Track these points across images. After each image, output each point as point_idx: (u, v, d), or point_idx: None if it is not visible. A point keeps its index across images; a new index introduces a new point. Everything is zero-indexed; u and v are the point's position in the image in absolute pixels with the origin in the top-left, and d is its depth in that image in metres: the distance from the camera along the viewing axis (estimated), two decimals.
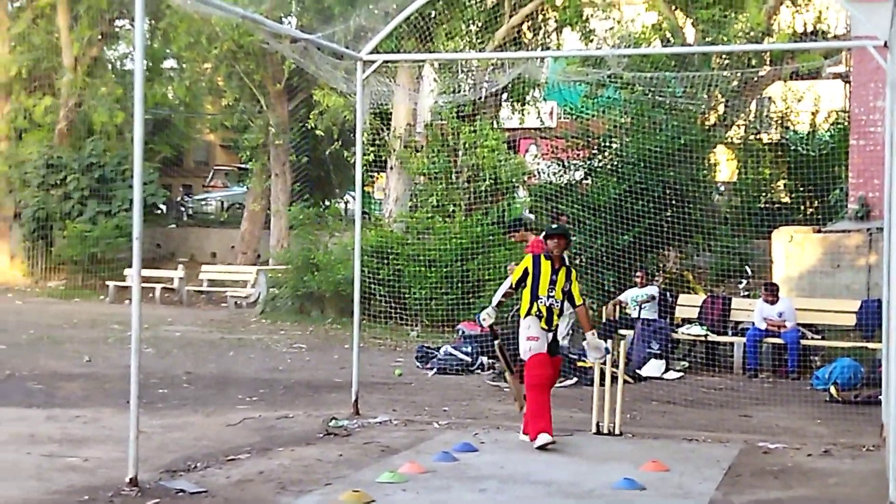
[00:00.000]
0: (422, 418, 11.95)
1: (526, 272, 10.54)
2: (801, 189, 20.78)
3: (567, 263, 10.75)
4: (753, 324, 16.19)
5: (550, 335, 10.48)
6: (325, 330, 21.38)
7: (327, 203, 33.26)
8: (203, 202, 40.13)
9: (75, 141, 31.77)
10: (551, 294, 10.44)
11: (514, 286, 10.77)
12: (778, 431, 11.56)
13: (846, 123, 20.69)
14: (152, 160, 33.00)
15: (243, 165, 35.71)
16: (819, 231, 18.08)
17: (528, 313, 10.49)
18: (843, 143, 19.91)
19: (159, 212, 35.03)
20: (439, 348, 16.64)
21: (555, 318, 10.52)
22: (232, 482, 8.60)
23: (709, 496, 8.43)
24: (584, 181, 21.45)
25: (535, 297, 10.47)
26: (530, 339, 10.44)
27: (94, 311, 24.69)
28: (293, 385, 14.40)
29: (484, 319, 10.81)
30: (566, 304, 10.68)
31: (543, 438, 10.11)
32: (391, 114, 24.51)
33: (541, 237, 11.33)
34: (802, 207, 20.72)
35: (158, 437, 10.39)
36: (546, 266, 10.51)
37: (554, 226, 11.10)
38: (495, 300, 11.19)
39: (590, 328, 10.69)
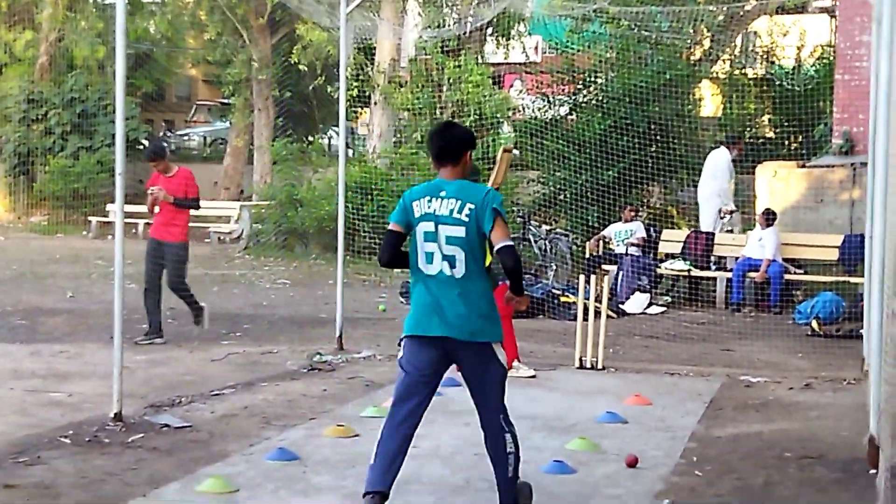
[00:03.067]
0: None
1: None
2: (786, 124, 20.75)
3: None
4: (737, 258, 16.22)
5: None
6: (308, 266, 21.36)
7: (311, 138, 33.07)
8: (185, 137, 39.90)
9: (56, 76, 31.46)
10: None
11: None
12: (760, 365, 11.63)
13: (832, 58, 20.58)
14: (134, 95, 32.71)
15: (226, 100, 35.44)
16: (803, 166, 18.07)
17: None
18: (829, 78, 19.83)
19: (141, 147, 34.81)
20: None
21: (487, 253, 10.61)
22: (216, 417, 8.62)
23: (691, 429, 8.50)
24: (569, 116, 21.38)
25: None
26: None
27: (77, 246, 24.63)
28: (277, 321, 14.41)
29: None
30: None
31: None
32: (375, 48, 24.31)
33: None
34: (787, 142, 20.69)
35: (142, 372, 10.40)
36: None
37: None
38: None
39: None
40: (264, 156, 29.13)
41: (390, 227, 6.20)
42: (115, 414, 8.19)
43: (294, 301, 16.60)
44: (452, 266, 6.02)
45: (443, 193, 6.06)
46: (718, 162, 17.20)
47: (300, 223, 22.86)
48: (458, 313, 6.02)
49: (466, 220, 5.96)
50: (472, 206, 5.95)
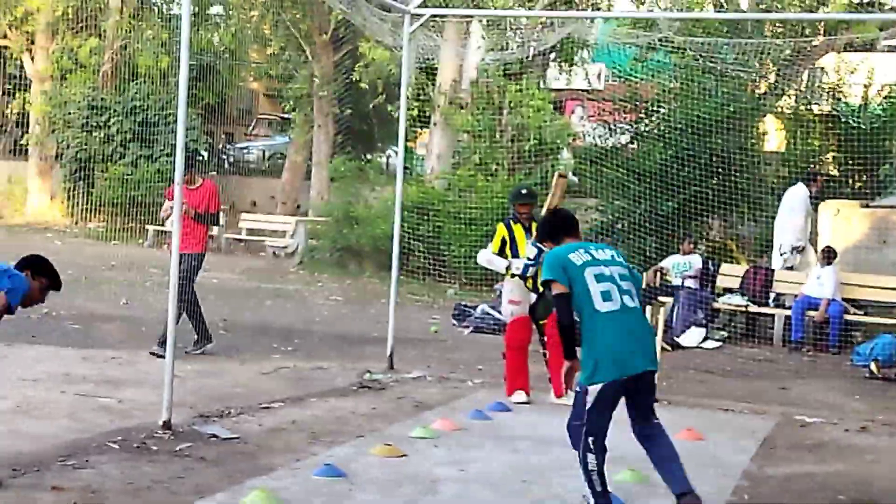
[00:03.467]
0: (456, 376, 11.90)
1: (504, 241, 10.62)
2: (850, 162, 20.45)
3: (535, 219, 10.73)
4: (796, 296, 15.98)
5: (534, 296, 10.59)
6: (362, 284, 21.33)
7: (369, 157, 33.11)
8: (245, 150, 40.07)
9: (119, 84, 31.69)
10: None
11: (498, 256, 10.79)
12: (816, 405, 11.42)
13: None
14: (195, 106, 32.91)
15: (286, 115, 35.60)
16: (867, 205, 17.82)
17: (513, 277, 10.60)
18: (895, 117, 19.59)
19: (201, 158, 35.00)
20: (476, 307, 16.56)
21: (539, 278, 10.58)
22: (264, 430, 8.58)
23: (742, 467, 8.34)
24: (630, 145, 21.25)
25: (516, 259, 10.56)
26: (512, 303, 10.71)
27: (133, 254, 24.76)
28: (329, 337, 14.38)
29: (518, 269, 10.69)
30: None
31: (519, 397, 10.46)
32: (437, 69, 24.31)
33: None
34: (851, 181, 20.39)
35: (193, 382, 10.39)
36: (518, 229, 10.64)
37: (524, 191, 11.07)
38: (503, 261, 10.90)
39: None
40: (322, 172, 29.17)
41: (557, 290, 6.52)
42: (164, 422, 8.18)
43: (346, 318, 16.56)
44: (632, 299, 6.56)
45: (591, 246, 6.74)
46: (796, 197, 16.87)
47: (355, 241, 22.85)
48: (650, 342, 6.74)
49: (623, 261, 6.70)
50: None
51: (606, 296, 6.43)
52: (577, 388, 6.54)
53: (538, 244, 10.51)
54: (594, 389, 6.44)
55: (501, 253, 10.75)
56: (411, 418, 9.42)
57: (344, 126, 30.15)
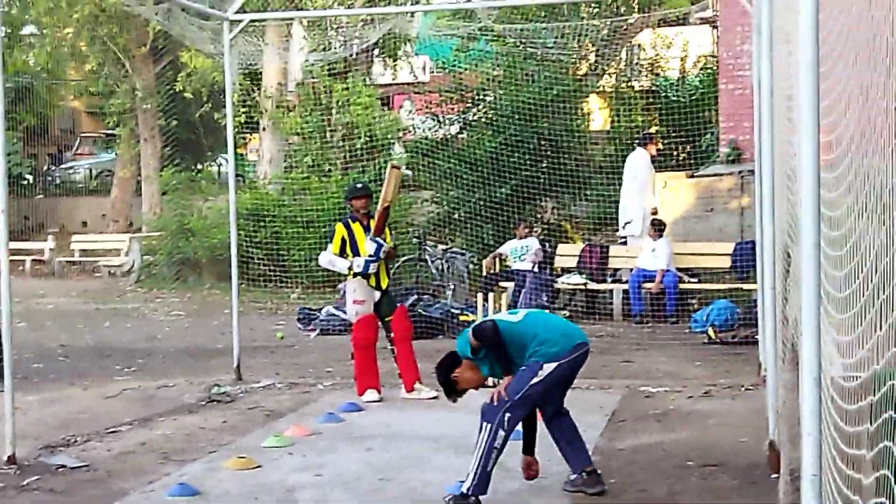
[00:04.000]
0: (306, 380, 11.84)
1: (343, 240, 10.60)
2: (673, 135, 21.02)
3: (373, 215, 10.77)
4: (632, 270, 16.33)
5: (378, 294, 10.61)
6: (203, 296, 21.05)
7: (200, 167, 32.72)
8: (71, 171, 39.13)
9: None
10: None
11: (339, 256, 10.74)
12: (659, 375, 11.70)
13: (715, 68, 20.94)
14: (15, 129, 32.01)
15: (110, 131, 34.85)
16: (692, 176, 18.31)
17: (356, 276, 10.57)
18: (713, 87, 20.16)
19: (25, 182, 34.08)
20: (321, 309, 16.51)
21: (382, 275, 10.62)
22: (113, 455, 8.41)
23: (593, 442, 8.49)
24: (460, 135, 21.43)
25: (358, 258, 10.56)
26: (356, 303, 10.70)
27: None
28: (173, 353, 14.15)
29: (359, 266, 10.66)
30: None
31: (370, 395, 10.46)
32: (261, 73, 24.13)
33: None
34: (675, 153, 20.97)
35: (35, 412, 10.11)
36: (357, 227, 10.63)
37: (359, 185, 11.11)
38: (342, 265, 10.88)
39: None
40: (153, 186, 28.69)
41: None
42: (9, 457, 7.94)
43: (189, 332, 16.32)
44: None
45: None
46: (637, 163, 17.08)
47: (192, 253, 22.54)
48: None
49: None
50: None
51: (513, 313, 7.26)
52: (528, 365, 6.80)
53: (376, 239, 10.54)
54: (549, 367, 6.77)
55: (342, 253, 10.71)
56: (263, 428, 9.34)
57: (171, 138, 29.67)
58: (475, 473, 6.63)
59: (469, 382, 6.94)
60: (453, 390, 6.94)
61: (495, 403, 6.71)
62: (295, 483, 7.47)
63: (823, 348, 4.24)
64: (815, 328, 3.98)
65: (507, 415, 6.66)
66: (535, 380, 6.73)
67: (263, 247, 20.75)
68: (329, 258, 10.83)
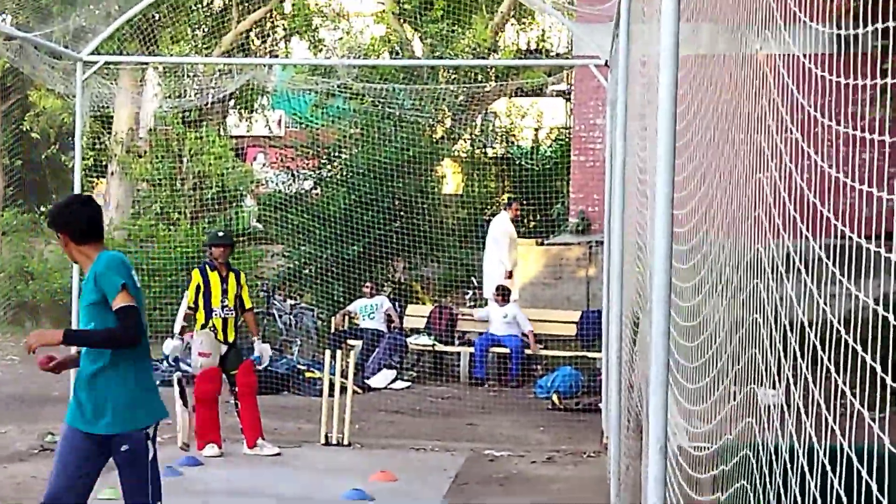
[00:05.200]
0: None
1: (198, 288, 10.47)
2: (525, 203, 21.29)
3: (233, 268, 10.73)
4: (481, 333, 16.41)
5: (225, 347, 10.46)
6: None
7: (43, 209, 31.82)
8: None
9: None
10: (224, 304, 10.45)
11: (192, 305, 10.60)
12: (502, 439, 11.74)
13: (568, 140, 21.34)
14: None
15: None
16: (541, 243, 18.54)
17: (204, 327, 10.45)
18: (565, 158, 20.49)
19: None
20: (163, 360, 16.14)
21: (230, 328, 10.49)
22: None
23: None
24: (314, 191, 21.33)
25: (208, 310, 10.46)
26: (202, 356, 10.56)
27: None
28: (5, 399, 13.66)
29: (170, 354, 10.74)
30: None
31: (211, 450, 10.28)
32: (113, 117, 23.69)
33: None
34: (525, 220, 21.24)
35: None
36: (214, 276, 10.50)
37: (220, 234, 11.01)
38: (177, 328, 10.94)
39: (256, 333, 11.03)
40: None
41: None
42: None
43: (23, 378, 15.78)
44: None
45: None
46: (497, 227, 17.18)
47: (31, 296, 21.88)
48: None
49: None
50: None
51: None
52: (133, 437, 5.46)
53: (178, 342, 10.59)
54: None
55: (196, 299, 10.52)
56: (99, 479, 9.03)
57: (14, 177, 28.83)
58: None
59: None
60: None
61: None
62: None
63: (670, 418, 4.29)
64: (662, 397, 4.03)
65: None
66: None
67: None
68: (180, 311, 10.73)
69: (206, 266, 10.62)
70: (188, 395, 10.63)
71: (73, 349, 5.73)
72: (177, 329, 11.05)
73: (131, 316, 5.30)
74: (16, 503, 8.15)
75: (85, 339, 5.52)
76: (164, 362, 15.94)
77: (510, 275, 16.70)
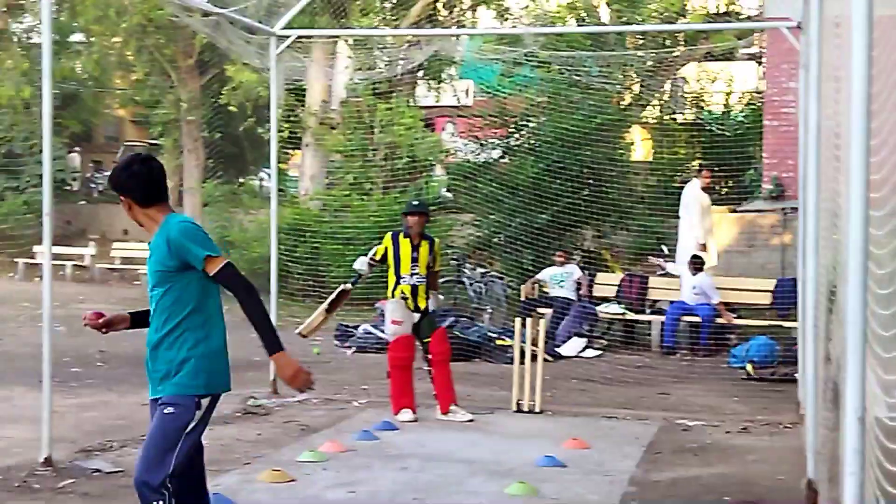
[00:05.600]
0: (341, 397, 11.86)
1: (385, 251, 10.60)
2: (716, 169, 20.95)
3: (427, 235, 10.78)
4: (672, 302, 16.27)
5: (417, 315, 10.59)
6: (240, 309, 21.06)
7: (242, 180, 32.90)
8: None
9: None
10: (414, 272, 10.53)
11: (374, 260, 10.72)
12: (696, 409, 11.64)
13: (760, 104, 20.89)
14: (61, 135, 32.32)
15: (154, 141, 35.14)
16: (734, 211, 18.24)
17: (393, 295, 10.63)
18: (757, 123, 20.09)
19: (69, 188, 34.38)
20: (358, 327, 16.53)
21: (420, 296, 10.57)
22: None
23: (629, 473, 8.46)
24: (502, 160, 21.43)
25: (398, 277, 10.57)
26: (394, 323, 10.68)
27: (3, 288, 24.17)
28: None
29: (360, 269, 10.70)
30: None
31: (405, 415, 10.44)
32: (306, 90, 24.26)
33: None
34: (717, 187, 20.91)
35: (73, 416, 10.18)
36: (405, 244, 10.59)
37: (415, 203, 11.06)
38: (358, 264, 10.88)
39: (434, 288, 10.89)
40: (194, 197, 28.85)
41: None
42: (45, 459, 8.00)
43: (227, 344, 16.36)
44: None
45: None
46: (687, 195, 17.00)
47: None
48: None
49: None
50: None
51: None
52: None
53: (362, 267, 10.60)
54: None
55: (383, 263, 10.73)
56: (298, 442, 9.36)
57: (214, 150, 29.87)
58: None
59: None
60: None
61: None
62: (329, 499, 7.48)
63: (867, 388, 4.22)
64: (859, 367, 3.96)
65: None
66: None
67: (303, 262, 20.81)
68: (359, 261, 10.81)
69: (399, 234, 10.77)
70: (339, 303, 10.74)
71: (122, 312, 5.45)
72: (367, 258, 10.88)
73: (234, 273, 5.14)
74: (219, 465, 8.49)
75: (266, 326, 5.30)
76: (358, 329, 16.36)
77: (703, 247, 16.40)
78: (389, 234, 10.87)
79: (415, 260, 10.58)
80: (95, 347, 14.37)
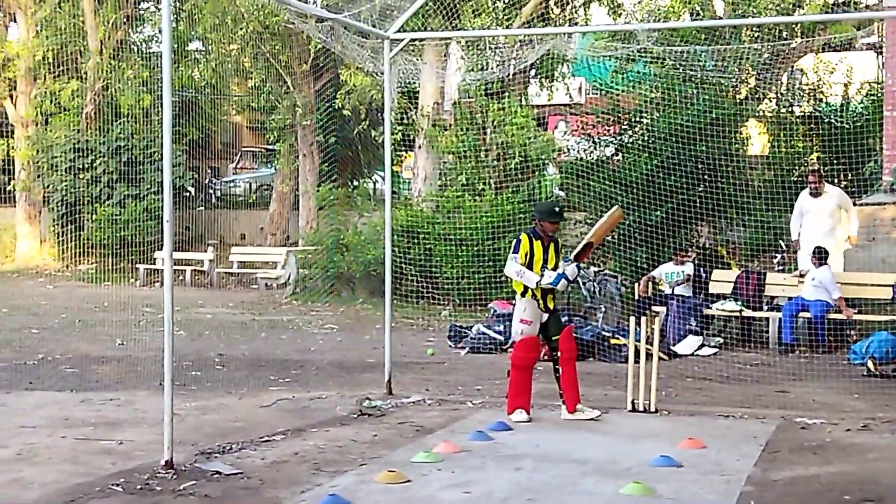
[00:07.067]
0: (455, 397, 11.90)
1: (526, 255, 10.57)
2: (835, 162, 20.54)
3: (554, 237, 10.75)
4: (790, 298, 15.99)
5: (546, 315, 10.57)
6: (355, 310, 21.33)
7: (356, 183, 33.16)
8: (231, 184, 40.14)
9: (102, 125, 31.72)
10: (544, 274, 10.51)
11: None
12: (815, 407, 11.43)
13: (880, 95, 20.40)
14: (179, 143, 32.94)
15: (271, 147, 35.66)
16: (854, 204, 17.86)
17: (524, 294, 10.54)
18: (877, 114, 19.63)
19: (188, 194, 35.01)
20: (471, 327, 16.57)
21: (549, 296, 10.56)
22: (267, 463, 8.56)
23: (747, 473, 8.34)
24: (615, 157, 21.29)
25: None
26: (523, 322, 10.61)
27: (125, 294, 24.73)
28: (325, 366, 14.36)
29: (549, 279, 10.64)
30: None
31: (519, 415, 10.39)
32: (418, 92, 24.39)
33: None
34: (836, 180, 20.49)
35: (193, 419, 10.37)
36: (538, 245, 10.57)
37: (556, 209, 10.93)
38: (532, 278, 10.80)
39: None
40: (310, 201, 29.21)
41: None
42: (166, 461, 8.16)
43: (342, 346, 16.56)
44: None
45: None
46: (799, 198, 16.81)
47: (346, 268, 22.87)
48: None
49: None
50: None
51: None
52: None
53: (569, 268, 10.53)
54: None
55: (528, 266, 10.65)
56: (413, 443, 9.41)
57: (329, 154, 30.19)
58: None
59: None
60: None
61: None
62: (444, 499, 7.51)
63: None
64: None
65: None
66: None
67: (416, 263, 20.93)
68: (517, 268, 10.61)
69: (531, 234, 10.72)
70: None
71: None
72: (537, 277, 10.80)
73: None
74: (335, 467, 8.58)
75: None
76: (471, 329, 16.38)
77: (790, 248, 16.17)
78: (525, 235, 10.74)
79: (545, 261, 10.57)
80: (215, 351, 14.64)
